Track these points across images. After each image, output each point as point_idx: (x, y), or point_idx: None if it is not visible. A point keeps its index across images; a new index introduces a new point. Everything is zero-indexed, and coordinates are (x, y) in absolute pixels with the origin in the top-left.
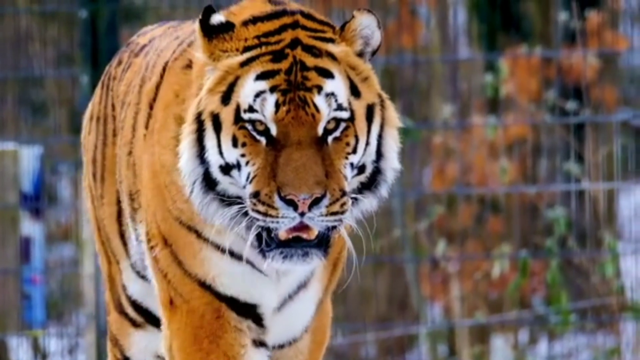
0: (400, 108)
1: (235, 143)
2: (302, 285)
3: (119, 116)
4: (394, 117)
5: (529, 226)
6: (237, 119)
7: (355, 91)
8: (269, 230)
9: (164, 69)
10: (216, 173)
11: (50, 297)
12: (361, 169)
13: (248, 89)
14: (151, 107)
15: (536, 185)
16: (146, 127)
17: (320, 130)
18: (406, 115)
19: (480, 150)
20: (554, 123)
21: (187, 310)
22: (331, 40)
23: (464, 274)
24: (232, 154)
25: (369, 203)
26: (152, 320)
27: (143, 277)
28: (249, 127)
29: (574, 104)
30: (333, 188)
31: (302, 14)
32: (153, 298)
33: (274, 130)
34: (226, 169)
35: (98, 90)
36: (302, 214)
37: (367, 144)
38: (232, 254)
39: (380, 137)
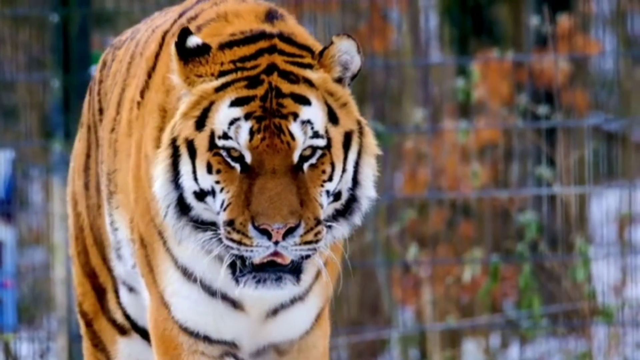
0: (371, 112)
1: (209, 169)
2: (299, 298)
3: (105, 104)
4: (372, 144)
5: (500, 230)
6: (212, 146)
7: (333, 118)
8: (242, 257)
9: (163, 38)
10: (190, 199)
11: (22, 301)
12: (337, 196)
13: (222, 115)
14: (149, 76)
15: (508, 190)
16: (141, 96)
17: (295, 158)
18: (377, 119)
19: (451, 155)
20: (526, 127)
21: (154, 318)
22: (309, 66)
23: (435, 279)
24: (206, 181)
25: (342, 230)
26: (137, 329)
27: (130, 288)
28: (224, 153)
29: (546, 108)
30: (308, 217)
31: (281, 37)
32: (140, 308)
33: (248, 158)
34: (200, 195)
35: (87, 97)
36: (276, 243)
37: (344, 171)
38: (185, 271)
39: (357, 164)
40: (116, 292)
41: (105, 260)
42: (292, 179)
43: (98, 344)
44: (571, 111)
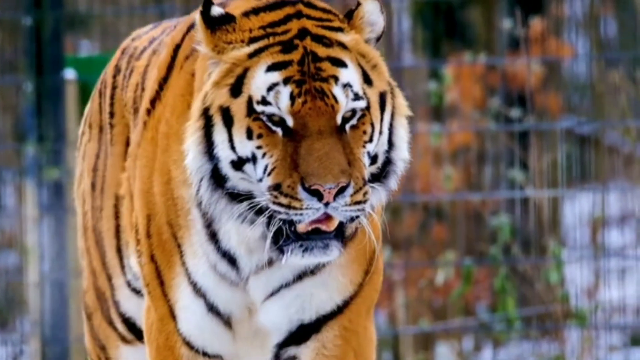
0: None
1: (250, 135)
2: (316, 269)
3: (131, 123)
4: (403, 105)
5: (473, 234)
6: (250, 111)
7: (367, 79)
8: (289, 223)
9: (175, 52)
10: (226, 169)
11: None
12: (374, 159)
13: (259, 80)
14: (160, 87)
15: (480, 193)
16: (152, 105)
17: (339, 120)
18: None
19: (424, 158)
20: (498, 130)
21: (155, 329)
22: (340, 29)
23: (408, 282)
24: (246, 147)
25: (379, 194)
26: (142, 338)
27: (139, 293)
28: (264, 118)
29: (518, 112)
30: (356, 176)
31: (304, 2)
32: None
33: (290, 122)
34: (238, 163)
35: (96, 98)
36: (326, 204)
37: (380, 132)
38: (195, 286)
39: (391, 126)
40: (116, 304)
41: (104, 266)
42: (338, 139)
43: (98, 343)
44: (544, 114)
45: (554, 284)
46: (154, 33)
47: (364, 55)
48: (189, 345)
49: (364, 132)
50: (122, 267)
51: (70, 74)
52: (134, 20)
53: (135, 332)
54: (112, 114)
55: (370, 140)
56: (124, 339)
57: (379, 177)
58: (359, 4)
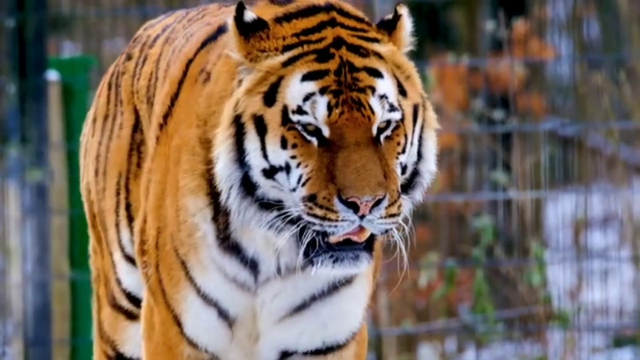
0: None
1: (284, 144)
2: (347, 282)
3: (143, 112)
4: (433, 118)
5: (456, 235)
6: (285, 120)
7: (402, 90)
8: (322, 234)
9: (186, 67)
10: (257, 176)
11: None
12: (403, 170)
13: (295, 90)
14: (172, 103)
15: (463, 194)
16: (165, 120)
17: (374, 131)
18: None
19: None
20: (481, 132)
21: (157, 329)
22: (376, 40)
23: (391, 283)
24: (280, 156)
25: (405, 206)
26: None
27: (134, 262)
28: (299, 128)
29: (501, 113)
30: (392, 189)
31: (336, 9)
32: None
33: (326, 132)
34: (270, 172)
35: (104, 91)
36: (361, 217)
37: (412, 144)
38: (206, 297)
39: (420, 137)
40: (118, 281)
41: (108, 244)
42: (374, 151)
43: (103, 335)
44: (527, 116)
45: (537, 285)
46: (167, 21)
47: (399, 66)
48: (192, 344)
49: (398, 144)
50: (120, 240)
51: (53, 75)
52: (117, 22)
53: (139, 305)
54: (121, 102)
55: (403, 151)
56: (130, 315)
57: (406, 188)
58: (399, 16)
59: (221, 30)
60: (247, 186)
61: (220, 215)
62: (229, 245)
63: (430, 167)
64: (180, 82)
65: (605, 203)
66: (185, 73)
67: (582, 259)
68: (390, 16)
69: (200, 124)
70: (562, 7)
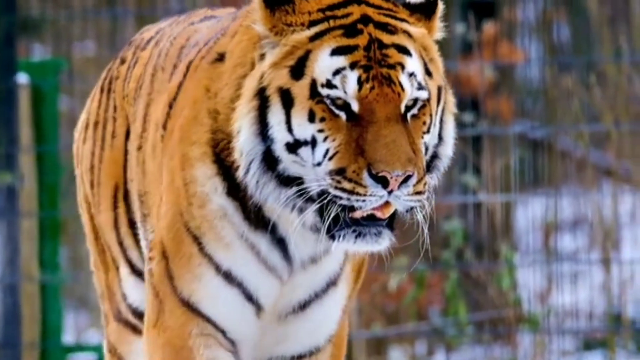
0: None
1: (312, 118)
2: (332, 283)
3: (126, 115)
4: (452, 102)
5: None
6: (314, 94)
7: (427, 71)
8: (348, 209)
9: (187, 68)
10: (280, 151)
11: None
12: (425, 151)
13: (324, 64)
14: (170, 107)
15: (433, 197)
16: (164, 128)
17: (403, 108)
18: None
19: None
20: None
21: (163, 329)
22: (405, 20)
23: (361, 286)
24: (306, 130)
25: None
26: None
27: (141, 275)
28: (328, 102)
29: (471, 116)
30: (419, 166)
31: None
32: None
33: (355, 107)
34: (294, 146)
35: (96, 96)
36: (389, 192)
37: (434, 125)
38: (227, 275)
39: (441, 120)
40: (123, 296)
41: (112, 259)
42: (403, 127)
43: (111, 349)
44: (497, 119)
45: (507, 288)
46: (162, 25)
47: (426, 48)
48: (211, 322)
49: (424, 123)
50: (126, 257)
51: (23, 78)
52: (87, 25)
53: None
54: (115, 108)
55: (428, 131)
56: (136, 330)
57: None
58: (435, 4)
59: (224, 28)
60: (268, 161)
61: (239, 190)
62: (258, 220)
63: (448, 150)
64: (180, 84)
65: (575, 206)
66: (185, 74)
67: (552, 262)
68: (417, 0)
69: (211, 95)
70: (532, 10)
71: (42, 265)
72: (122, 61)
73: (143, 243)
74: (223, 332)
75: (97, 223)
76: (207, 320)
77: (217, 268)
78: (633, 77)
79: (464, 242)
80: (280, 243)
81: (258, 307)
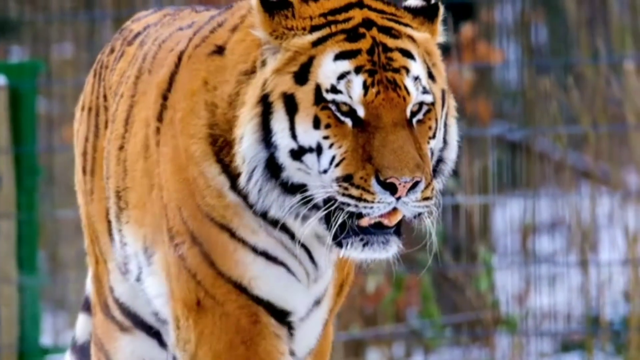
0: None
1: (317, 124)
2: (317, 302)
3: (111, 108)
4: (454, 106)
5: (403, 240)
6: (319, 100)
7: (431, 75)
8: (355, 216)
9: (179, 58)
10: (283, 158)
11: None
12: (430, 156)
13: (328, 69)
14: (165, 98)
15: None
16: (159, 120)
17: (408, 112)
18: None
19: None
20: None
21: (220, 314)
22: (408, 25)
23: None
24: (311, 136)
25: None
26: (140, 325)
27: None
28: (333, 107)
29: None
30: (427, 172)
31: None
32: (141, 301)
33: (361, 112)
34: (298, 153)
35: (90, 79)
36: (397, 199)
37: (439, 129)
38: (267, 255)
39: (445, 124)
40: (111, 289)
41: (100, 251)
42: (410, 132)
43: (97, 342)
44: (475, 120)
45: (484, 290)
46: (151, 19)
47: (429, 52)
48: (271, 310)
49: (430, 128)
50: (114, 250)
51: (0, 80)
52: (65, 27)
53: (131, 318)
54: (105, 97)
55: (434, 136)
56: (122, 327)
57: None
58: (437, 7)
59: (213, 17)
60: (272, 168)
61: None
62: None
63: (453, 154)
64: (173, 74)
65: (553, 208)
66: (177, 64)
67: (530, 264)
68: (419, 3)
69: (210, 89)
70: (510, 12)
71: (21, 267)
72: (112, 50)
73: (117, 237)
74: (281, 314)
75: (87, 212)
76: (262, 301)
77: (255, 250)
78: (611, 79)
79: (442, 244)
80: (304, 246)
81: (307, 283)
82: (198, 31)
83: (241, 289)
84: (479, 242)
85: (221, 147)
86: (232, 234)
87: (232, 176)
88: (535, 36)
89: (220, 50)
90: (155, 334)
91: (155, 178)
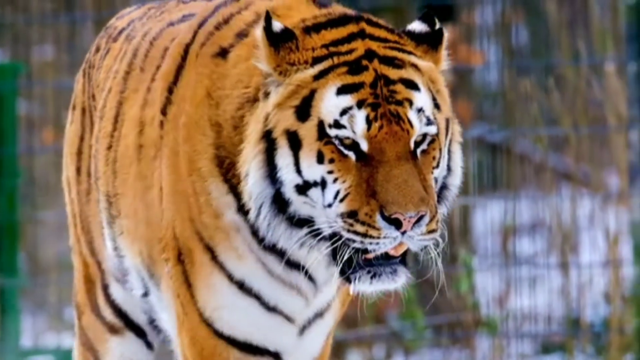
0: None
1: (321, 159)
2: (319, 314)
3: (98, 105)
4: (458, 132)
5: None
6: (322, 135)
7: (436, 104)
8: (358, 251)
9: (185, 52)
10: (290, 193)
11: None
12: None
13: (330, 104)
14: (170, 92)
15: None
16: (163, 113)
17: (412, 145)
18: None
19: None
20: None
21: (190, 337)
22: (412, 53)
23: None
24: (316, 171)
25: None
26: (130, 325)
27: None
28: (336, 142)
29: None
30: (431, 205)
31: (366, 20)
32: (134, 303)
33: (364, 146)
34: (303, 187)
35: (80, 78)
36: (403, 233)
37: (443, 158)
38: (242, 285)
39: (449, 151)
40: (104, 288)
41: (93, 252)
42: (414, 165)
43: (86, 342)
44: None
45: (465, 292)
46: (135, 14)
47: (433, 81)
48: (235, 345)
49: (433, 158)
50: (108, 255)
51: None
52: (46, 29)
53: (123, 318)
54: (93, 96)
55: (438, 165)
56: (113, 329)
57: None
58: (441, 33)
59: (218, 7)
60: (279, 203)
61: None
62: (268, 246)
63: (457, 180)
64: (179, 68)
65: (533, 209)
66: (184, 58)
67: (511, 266)
68: (422, 28)
69: (213, 104)
70: (491, 13)
71: (1, 269)
72: (97, 49)
73: (109, 244)
74: (251, 348)
75: (80, 210)
76: (222, 335)
77: (230, 277)
78: (592, 80)
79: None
80: (296, 266)
81: (287, 318)
82: (203, 24)
83: (203, 318)
84: (460, 244)
85: (227, 168)
86: (214, 257)
87: (239, 197)
88: (516, 38)
89: (224, 53)
90: (142, 335)
91: (152, 178)
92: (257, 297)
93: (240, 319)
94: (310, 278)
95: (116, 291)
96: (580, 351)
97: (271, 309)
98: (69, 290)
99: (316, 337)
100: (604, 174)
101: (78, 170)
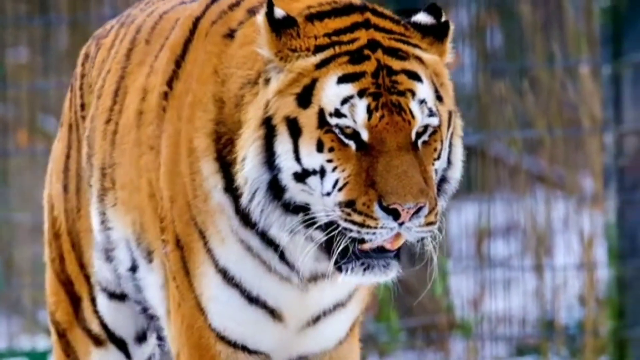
0: None
1: (320, 148)
2: (341, 304)
3: (92, 104)
4: (459, 126)
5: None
6: (322, 123)
7: (439, 96)
8: (357, 241)
9: (194, 25)
10: (287, 180)
11: None
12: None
13: (331, 92)
14: (177, 65)
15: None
16: (169, 86)
17: (413, 136)
18: None
19: None
20: None
21: (186, 326)
22: (417, 46)
23: None
24: (315, 160)
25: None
26: (113, 339)
27: (111, 295)
28: (337, 131)
29: None
30: (431, 196)
31: (371, 10)
32: (121, 318)
33: (365, 136)
34: (302, 175)
35: (67, 95)
36: (400, 224)
37: (444, 150)
38: (225, 273)
39: (450, 144)
40: (93, 300)
41: (82, 266)
42: (414, 156)
43: (70, 355)
44: None
45: (439, 294)
46: (132, 11)
47: (437, 73)
48: (224, 340)
49: (434, 150)
50: (95, 237)
51: None
52: (20, 31)
53: (108, 332)
54: (82, 106)
55: (439, 157)
56: (97, 341)
57: None
58: (447, 26)
59: None
60: (275, 190)
61: (235, 187)
62: (251, 225)
63: (457, 174)
64: (187, 41)
65: (507, 212)
66: (192, 31)
67: (485, 268)
68: (428, 20)
69: (219, 81)
70: (465, 16)
71: None
72: (86, 57)
73: (96, 219)
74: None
75: (68, 228)
76: (213, 329)
77: (216, 265)
78: (566, 83)
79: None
80: (273, 244)
81: (272, 313)
82: (216, 0)
83: (200, 308)
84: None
85: (224, 144)
86: (205, 243)
87: (229, 176)
88: (490, 40)
89: (232, 34)
90: (123, 347)
91: (147, 145)
92: (238, 287)
93: (225, 313)
94: (289, 263)
95: (102, 304)
96: (555, 354)
97: (253, 301)
98: (43, 292)
99: (337, 325)
100: (579, 177)
101: (65, 188)
